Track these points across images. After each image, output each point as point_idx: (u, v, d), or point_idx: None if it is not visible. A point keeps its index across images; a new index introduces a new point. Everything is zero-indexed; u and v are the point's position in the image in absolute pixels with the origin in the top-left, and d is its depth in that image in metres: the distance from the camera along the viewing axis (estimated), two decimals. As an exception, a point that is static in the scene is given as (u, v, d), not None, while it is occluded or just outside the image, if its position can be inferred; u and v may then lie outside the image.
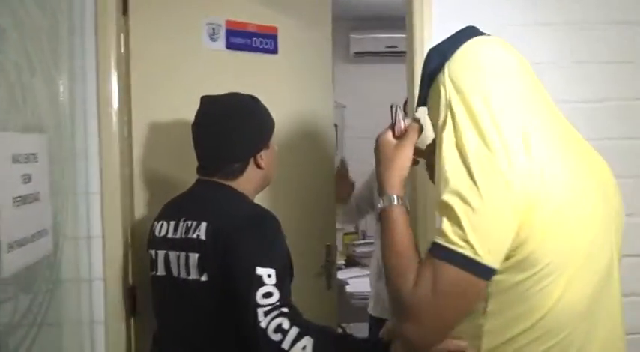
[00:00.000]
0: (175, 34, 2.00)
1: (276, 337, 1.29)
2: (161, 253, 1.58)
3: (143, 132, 1.97)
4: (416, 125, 1.20)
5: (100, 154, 1.83)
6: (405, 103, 2.06)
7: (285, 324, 1.31)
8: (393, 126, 1.21)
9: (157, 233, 1.62)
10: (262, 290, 1.35)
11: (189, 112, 1.66)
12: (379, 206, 1.14)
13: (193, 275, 1.50)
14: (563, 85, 1.84)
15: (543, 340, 1.01)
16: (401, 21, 1.95)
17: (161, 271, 1.59)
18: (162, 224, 1.61)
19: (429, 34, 1.78)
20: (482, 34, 1.15)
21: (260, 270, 1.37)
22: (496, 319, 1.02)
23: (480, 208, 0.94)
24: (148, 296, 1.69)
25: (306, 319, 1.37)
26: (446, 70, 1.09)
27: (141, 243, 1.79)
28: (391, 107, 1.22)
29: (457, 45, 1.11)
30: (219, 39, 2.05)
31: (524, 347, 1.01)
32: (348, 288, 3.47)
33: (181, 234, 1.54)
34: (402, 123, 1.21)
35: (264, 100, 1.68)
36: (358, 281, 3.57)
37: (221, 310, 1.46)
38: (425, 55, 1.16)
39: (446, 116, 1.06)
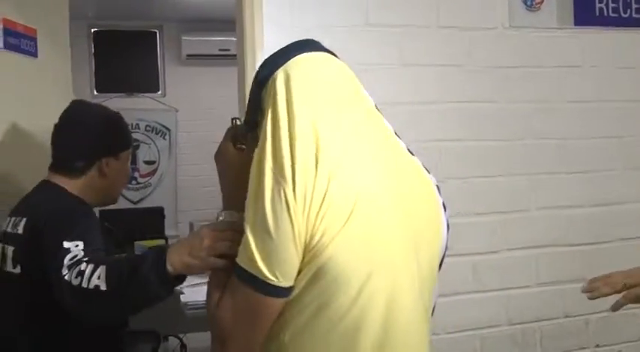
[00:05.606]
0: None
1: (77, 281, 1.35)
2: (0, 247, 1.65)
3: None
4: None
5: None
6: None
7: (83, 266, 1.37)
8: (234, 138, 1.15)
9: (3, 227, 1.67)
10: (69, 256, 1.41)
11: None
12: (220, 219, 1.13)
13: (9, 268, 1.58)
14: (393, 87, 1.93)
15: None
16: (233, 23, 1.92)
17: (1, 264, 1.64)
18: (8, 219, 1.66)
19: (260, 38, 1.76)
20: (318, 48, 1.11)
21: (67, 244, 1.43)
22: (298, 334, 1.00)
23: (265, 238, 0.96)
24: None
25: (104, 255, 1.45)
26: (270, 80, 1.06)
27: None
28: (232, 120, 1.17)
29: (289, 55, 1.07)
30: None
31: None
32: (183, 298, 3.34)
33: (10, 229, 1.62)
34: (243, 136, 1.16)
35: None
36: (194, 290, 3.46)
37: (34, 300, 1.53)
38: (256, 58, 1.12)
39: (262, 129, 1.04)
